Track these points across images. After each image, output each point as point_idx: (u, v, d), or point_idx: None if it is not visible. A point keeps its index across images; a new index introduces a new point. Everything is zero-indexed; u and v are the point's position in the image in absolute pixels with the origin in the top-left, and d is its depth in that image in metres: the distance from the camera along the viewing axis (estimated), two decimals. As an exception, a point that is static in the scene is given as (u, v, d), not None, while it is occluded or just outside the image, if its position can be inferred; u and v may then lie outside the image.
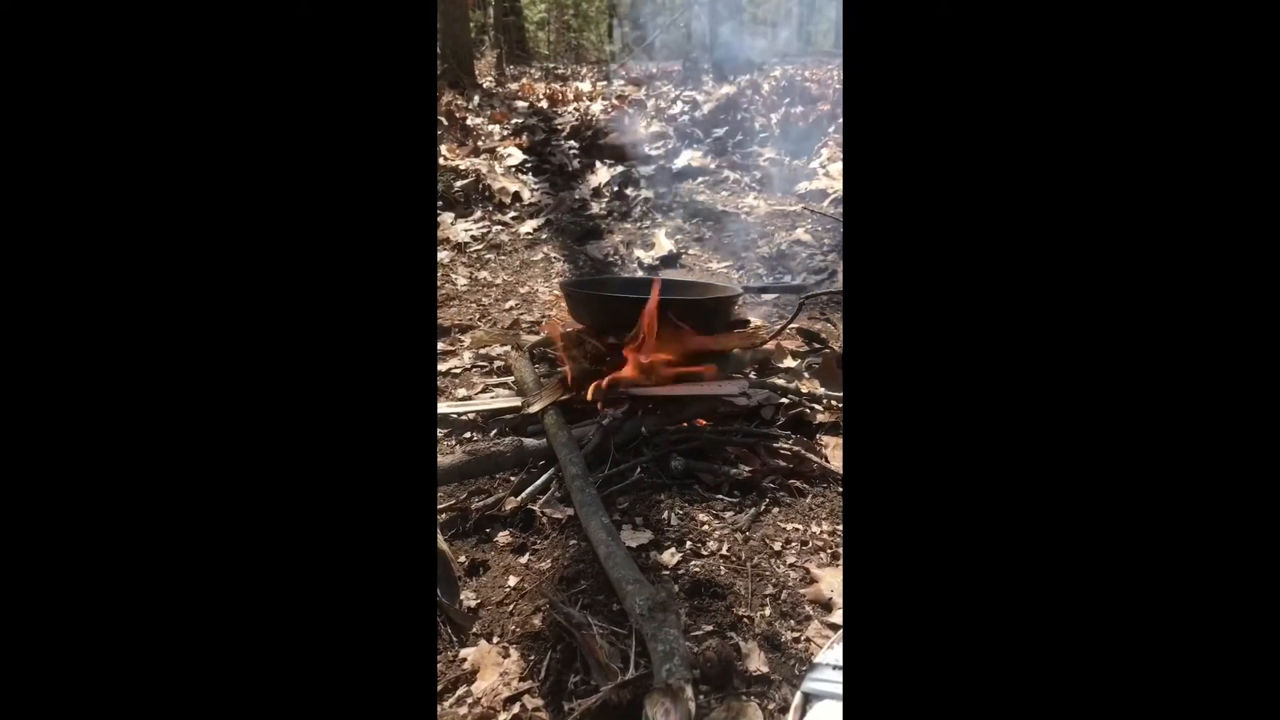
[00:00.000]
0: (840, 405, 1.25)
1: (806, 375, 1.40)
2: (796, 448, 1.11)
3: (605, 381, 1.18)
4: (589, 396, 1.19)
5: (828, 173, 2.85)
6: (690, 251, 2.34)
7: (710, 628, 0.78)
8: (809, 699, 0.63)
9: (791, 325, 1.51)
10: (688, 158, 3.19)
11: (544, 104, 4.42)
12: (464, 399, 1.35)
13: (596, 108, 4.20)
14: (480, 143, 3.43)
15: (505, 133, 3.66)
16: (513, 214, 2.71)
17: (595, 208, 2.78)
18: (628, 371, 1.20)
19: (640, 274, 2.15)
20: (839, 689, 0.62)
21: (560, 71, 7.09)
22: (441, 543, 0.87)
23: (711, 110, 3.79)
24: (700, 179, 3.06)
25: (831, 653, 0.67)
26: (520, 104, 4.45)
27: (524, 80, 5.80)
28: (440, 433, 1.23)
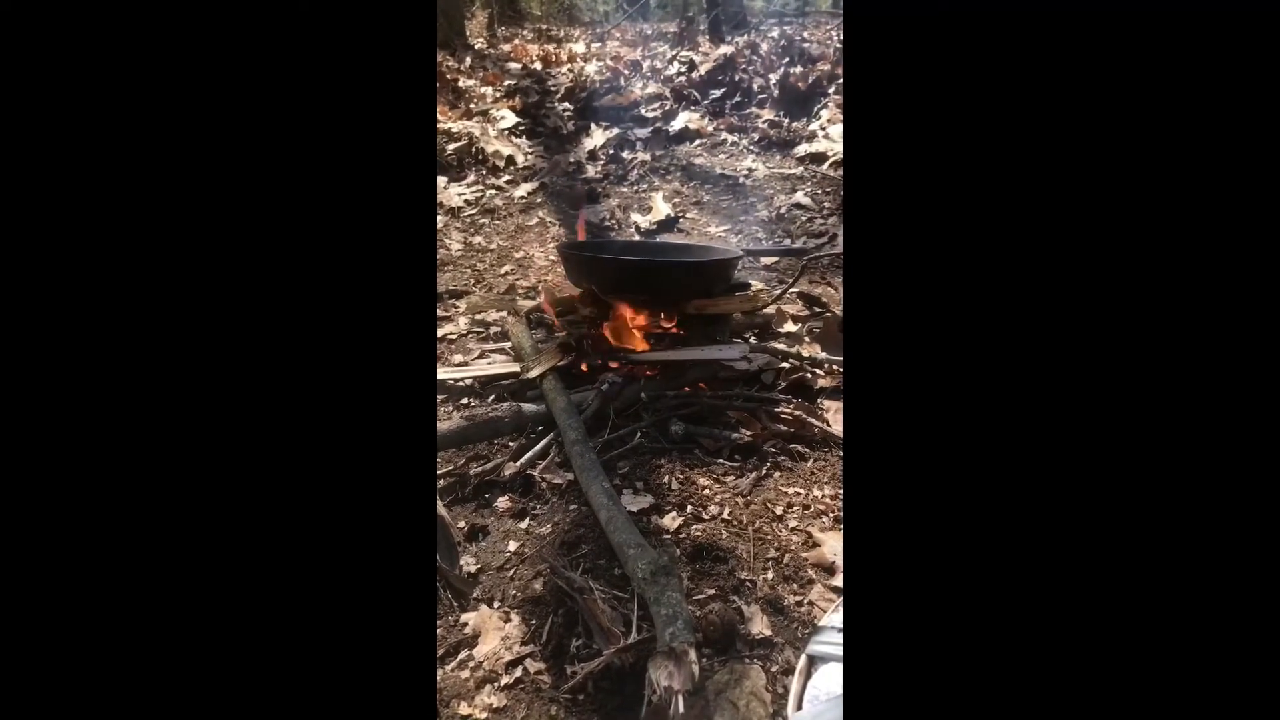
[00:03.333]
0: (842, 370, 1.24)
1: (807, 339, 1.38)
2: (797, 412, 1.10)
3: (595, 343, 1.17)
4: (584, 368, 1.18)
5: (828, 135, 2.80)
6: (688, 215, 2.30)
7: (712, 591, 0.78)
8: (813, 662, 0.63)
9: (792, 289, 1.48)
10: (685, 120, 3.13)
11: (537, 65, 4.32)
12: (460, 365, 1.33)
13: (591, 69, 4.11)
14: (473, 105, 3.36)
15: (498, 95, 3.58)
16: (507, 178, 2.66)
17: (591, 171, 2.73)
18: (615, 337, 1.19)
19: (638, 238, 2.11)
20: (843, 652, 0.62)
21: (553, 33, 6.92)
22: (440, 508, 0.86)
23: (709, 71, 3.71)
24: (698, 142, 3.00)
25: (835, 616, 0.67)
26: (513, 65, 4.34)
27: (516, 41, 5.67)
28: (438, 398, 1.22)
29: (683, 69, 3.89)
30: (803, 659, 0.64)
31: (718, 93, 3.49)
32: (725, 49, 4.09)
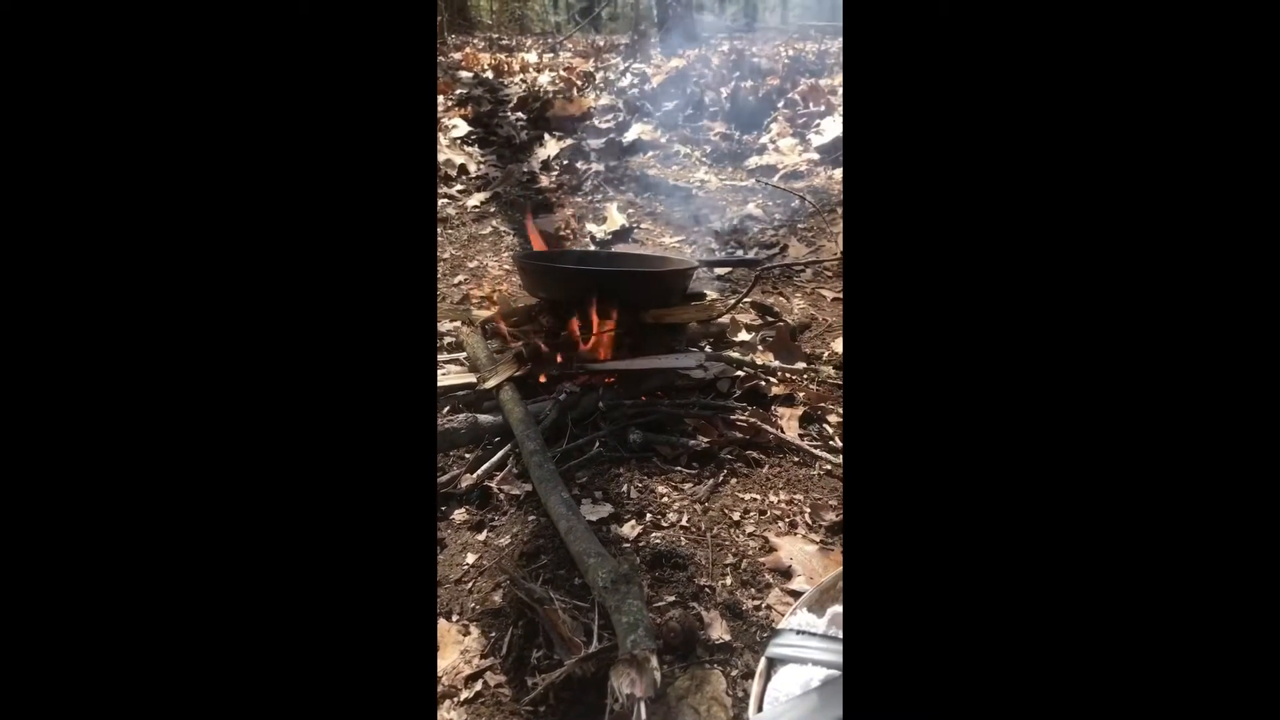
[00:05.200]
0: (793, 377, 1.27)
1: (761, 348, 1.41)
2: (753, 419, 1.11)
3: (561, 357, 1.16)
4: (541, 379, 1.17)
5: (778, 148, 2.86)
6: (643, 226, 2.32)
7: (672, 598, 0.79)
8: (772, 664, 0.64)
9: (745, 299, 1.51)
10: (638, 131, 3.15)
11: (489, 74, 4.30)
12: (414, 376, 1.31)
13: (544, 79, 4.11)
14: (424, 113, 3.31)
15: (450, 103, 3.55)
16: (459, 187, 2.64)
17: (545, 181, 2.72)
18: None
19: (593, 248, 2.12)
20: (801, 654, 0.63)
21: (505, 42, 6.89)
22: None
23: (661, 84, 3.75)
24: (651, 153, 3.03)
25: (793, 619, 0.68)
26: (464, 74, 4.31)
27: (468, 50, 5.62)
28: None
29: (635, 80, 3.92)
30: (762, 662, 0.65)
31: (670, 105, 3.53)
32: (677, 62, 4.14)
